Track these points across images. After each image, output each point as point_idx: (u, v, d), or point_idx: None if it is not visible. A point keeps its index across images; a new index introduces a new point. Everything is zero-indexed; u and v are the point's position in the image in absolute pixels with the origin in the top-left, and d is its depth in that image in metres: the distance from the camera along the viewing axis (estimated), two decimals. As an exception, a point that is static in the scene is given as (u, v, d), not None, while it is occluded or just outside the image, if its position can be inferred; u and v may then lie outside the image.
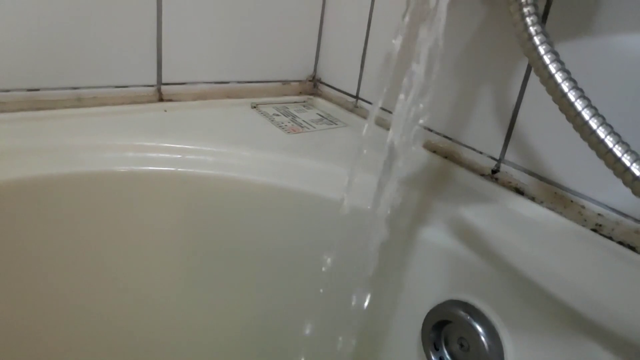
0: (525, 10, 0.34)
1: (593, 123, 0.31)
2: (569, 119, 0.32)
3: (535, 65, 0.33)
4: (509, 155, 0.50)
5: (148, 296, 0.52)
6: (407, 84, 0.35)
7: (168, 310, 0.54)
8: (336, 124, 0.67)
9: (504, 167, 0.51)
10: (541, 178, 0.48)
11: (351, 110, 0.70)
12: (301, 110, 0.71)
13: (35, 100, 0.54)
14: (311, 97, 0.76)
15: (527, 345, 0.38)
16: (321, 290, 0.46)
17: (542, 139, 0.47)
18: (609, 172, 0.31)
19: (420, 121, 0.36)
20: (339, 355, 0.46)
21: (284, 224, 0.52)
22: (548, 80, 0.33)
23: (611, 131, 0.31)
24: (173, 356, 0.56)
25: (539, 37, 0.33)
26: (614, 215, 0.43)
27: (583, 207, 0.45)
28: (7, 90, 0.52)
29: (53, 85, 0.55)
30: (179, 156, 0.51)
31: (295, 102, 0.74)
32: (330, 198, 0.49)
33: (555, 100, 0.33)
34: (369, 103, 0.68)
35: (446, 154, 0.57)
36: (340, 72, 0.73)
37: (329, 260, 0.44)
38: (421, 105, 0.36)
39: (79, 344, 0.51)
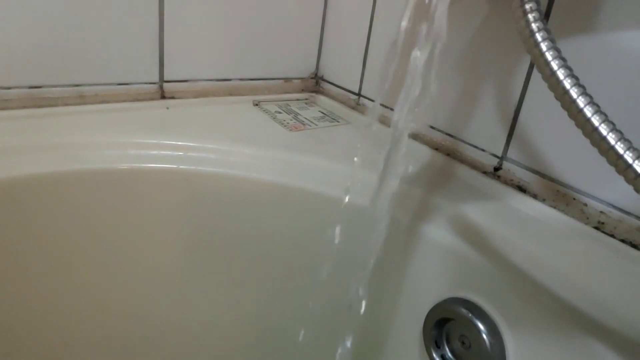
0: (528, 6, 0.34)
1: (595, 120, 0.31)
2: (571, 116, 0.32)
3: (538, 62, 0.33)
4: (511, 153, 0.50)
5: (149, 293, 0.52)
6: (409, 80, 0.35)
7: (170, 305, 0.54)
8: (338, 122, 0.67)
9: (506, 165, 0.51)
10: (543, 176, 0.48)
11: (353, 108, 0.70)
12: (303, 108, 0.70)
13: (37, 98, 0.54)
14: (313, 94, 0.76)
15: (528, 342, 0.38)
16: (322, 288, 0.46)
17: (544, 136, 0.47)
18: (611, 170, 0.31)
19: (416, 113, 0.36)
20: (340, 352, 0.46)
21: (285, 221, 0.52)
22: (550, 77, 0.32)
23: (614, 128, 0.31)
24: (174, 351, 0.56)
25: (541, 34, 0.33)
26: (616, 213, 0.43)
27: (585, 204, 0.45)
28: (9, 88, 0.52)
29: (55, 83, 0.55)
30: (181, 154, 0.51)
31: (297, 100, 0.74)
32: (332, 195, 0.49)
33: (557, 98, 0.33)
34: (371, 100, 0.68)
35: (448, 151, 0.57)
36: (342, 70, 0.73)
37: (330, 257, 0.44)
38: (422, 102, 0.36)
39: (80, 339, 0.51)
